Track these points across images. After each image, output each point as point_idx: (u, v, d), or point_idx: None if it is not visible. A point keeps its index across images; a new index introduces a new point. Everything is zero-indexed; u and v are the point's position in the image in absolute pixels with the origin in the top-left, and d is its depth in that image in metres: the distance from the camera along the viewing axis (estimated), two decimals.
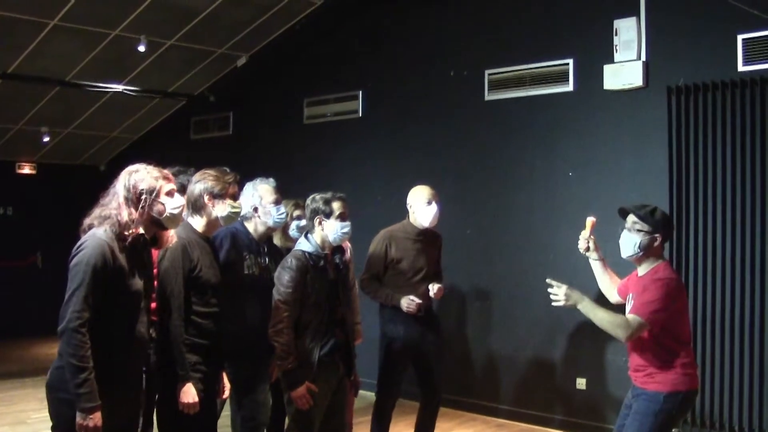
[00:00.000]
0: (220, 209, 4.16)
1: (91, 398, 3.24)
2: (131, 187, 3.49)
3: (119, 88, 9.55)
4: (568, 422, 6.76)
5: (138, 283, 3.49)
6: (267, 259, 4.80)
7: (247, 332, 4.58)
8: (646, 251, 4.14)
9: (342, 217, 4.51)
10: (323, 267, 4.52)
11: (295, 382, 4.34)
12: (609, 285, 4.55)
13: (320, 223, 4.52)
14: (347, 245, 5.91)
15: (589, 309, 4.10)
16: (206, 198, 4.13)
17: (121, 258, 3.39)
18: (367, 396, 6.76)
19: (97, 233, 3.38)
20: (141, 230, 3.51)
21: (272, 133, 9.59)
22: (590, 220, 4.52)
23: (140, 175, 3.53)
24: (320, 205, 4.52)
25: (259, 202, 4.79)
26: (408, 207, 5.69)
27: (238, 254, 4.66)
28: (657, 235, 4.14)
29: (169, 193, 3.59)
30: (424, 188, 5.66)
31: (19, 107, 9.68)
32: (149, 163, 3.66)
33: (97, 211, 3.47)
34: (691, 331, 4.32)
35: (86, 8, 7.70)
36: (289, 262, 4.43)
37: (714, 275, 6.03)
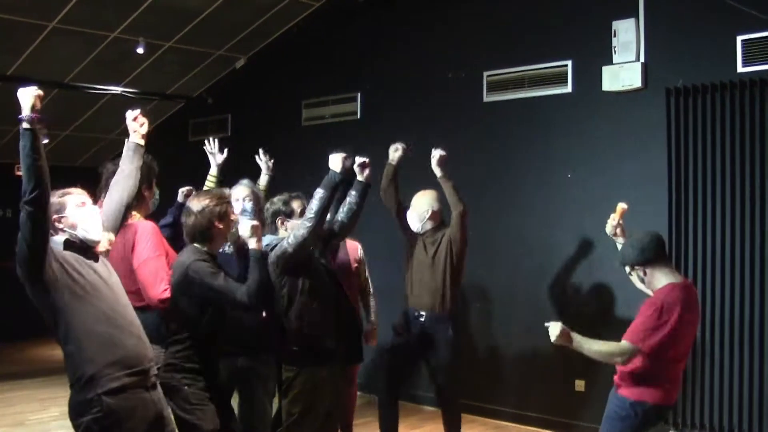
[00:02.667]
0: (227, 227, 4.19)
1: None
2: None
3: (118, 90, 9.54)
4: (567, 424, 6.76)
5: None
6: None
7: (245, 332, 4.56)
8: (650, 279, 4.19)
9: (303, 215, 4.51)
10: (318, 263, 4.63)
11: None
12: None
13: (283, 223, 4.62)
14: (357, 246, 5.93)
15: (582, 346, 4.14)
16: (217, 223, 4.09)
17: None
18: (366, 398, 6.78)
19: None
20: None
21: (270, 135, 9.56)
22: (621, 206, 4.59)
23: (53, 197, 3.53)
24: (280, 206, 4.65)
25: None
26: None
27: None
28: (641, 267, 4.19)
29: (81, 204, 3.58)
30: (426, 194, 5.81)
31: (17, 109, 9.64)
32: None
33: None
34: (688, 348, 4.33)
35: (85, 10, 7.70)
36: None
37: (713, 277, 6.02)
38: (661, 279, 4.15)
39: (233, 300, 3.92)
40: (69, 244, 3.46)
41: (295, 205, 4.63)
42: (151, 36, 8.48)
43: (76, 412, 3.33)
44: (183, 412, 3.96)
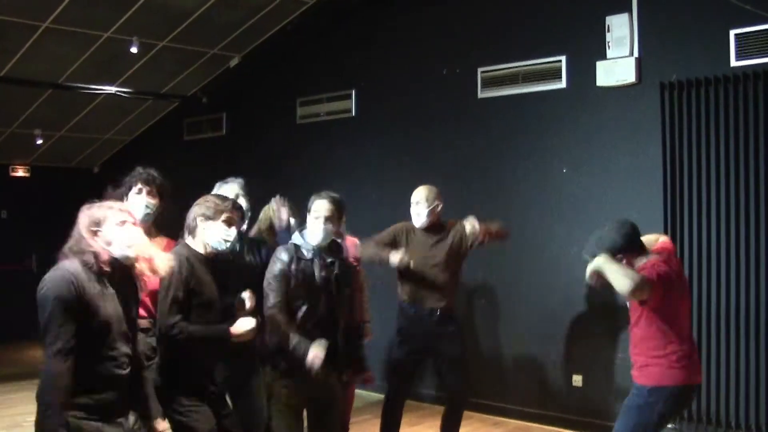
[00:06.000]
0: (210, 234, 4.11)
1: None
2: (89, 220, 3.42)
3: (112, 90, 9.53)
4: (565, 419, 6.77)
5: (111, 309, 3.36)
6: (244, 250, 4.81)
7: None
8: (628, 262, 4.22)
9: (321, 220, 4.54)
10: (310, 260, 4.50)
11: (305, 351, 4.28)
12: None
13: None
14: (356, 242, 5.88)
15: (603, 263, 4.15)
16: (199, 220, 4.10)
17: (91, 287, 3.27)
18: (363, 396, 6.76)
19: (60, 266, 3.28)
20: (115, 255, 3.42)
21: (265, 134, 9.58)
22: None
23: (94, 209, 3.45)
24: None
25: None
26: None
27: None
28: (627, 255, 4.22)
29: (121, 224, 3.46)
30: (418, 189, 5.69)
31: (12, 110, 9.66)
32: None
33: (69, 243, 3.37)
34: (689, 326, 4.36)
35: (78, 10, 7.68)
36: (278, 253, 4.48)
37: (708, 270, 6.03)
38: (641, 259, 4.22)
39: (160, 319, 3.92)
40: (90, 266, 3.33)
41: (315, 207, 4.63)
42: (145, 35, 8.46)
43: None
44: (178, 415, 3.94)
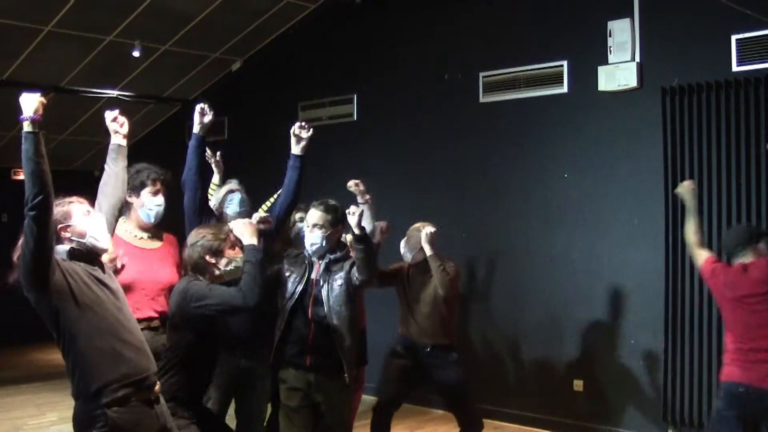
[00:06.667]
0: (224, 266, 4.07)
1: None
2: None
3: (114, 93, 9.54)
4: (566, 424, 6.76)
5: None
6: None
7: (246, 333, 4.56)
8: None
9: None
10: (302, 261, 4.56)
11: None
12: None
13: None
14: (382, 224, 5.73)
15: (689, 215, 4.79)
16: (207, 257, 4.03)
17: None
18: (366, 400, 6.71)
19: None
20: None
21: (267, 138, 9.57)
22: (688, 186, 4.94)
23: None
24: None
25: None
26: None
27: None
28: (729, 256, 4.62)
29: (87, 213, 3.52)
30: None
31: (13, 114, 9.54)
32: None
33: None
34: (733, 323, 4.46)
35: (80, 14, 7.69)
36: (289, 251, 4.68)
37: None
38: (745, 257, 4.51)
39: (233, 307, 3.87)
40: (73, 254, 3.38)
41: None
42: (147, 39, 8.48)
43: (80, 426, 3.29)
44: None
